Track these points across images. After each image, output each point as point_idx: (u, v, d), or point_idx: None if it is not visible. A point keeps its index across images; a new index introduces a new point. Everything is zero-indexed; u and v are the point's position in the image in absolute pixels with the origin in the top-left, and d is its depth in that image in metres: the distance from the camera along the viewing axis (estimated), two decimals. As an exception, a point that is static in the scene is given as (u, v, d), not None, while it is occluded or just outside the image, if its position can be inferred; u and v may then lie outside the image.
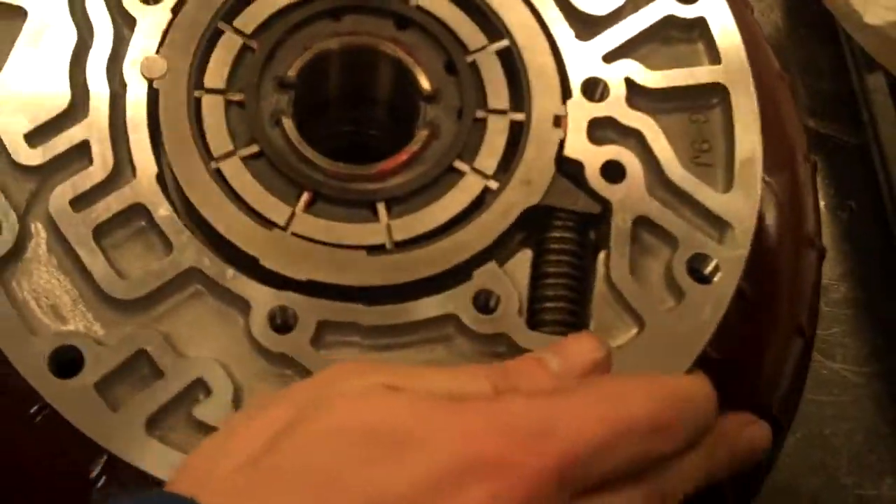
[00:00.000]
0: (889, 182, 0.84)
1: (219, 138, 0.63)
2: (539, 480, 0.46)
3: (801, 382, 0.70)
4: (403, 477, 0.46)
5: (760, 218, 0.64)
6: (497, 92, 0.66)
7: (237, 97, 0.64)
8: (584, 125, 0.64)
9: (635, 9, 0.68)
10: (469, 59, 0.66)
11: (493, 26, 0.67)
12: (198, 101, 0.63)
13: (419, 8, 0.67)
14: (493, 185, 0.63)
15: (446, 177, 0.64)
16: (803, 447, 0.82)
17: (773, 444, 0.60)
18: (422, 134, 0.65)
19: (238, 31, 0.65)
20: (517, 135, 0.64)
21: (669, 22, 0.68)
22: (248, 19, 0.66)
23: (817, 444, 0.82)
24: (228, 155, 0.63)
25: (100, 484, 0.56)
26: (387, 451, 0.46)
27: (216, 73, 0.64)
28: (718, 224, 0.63)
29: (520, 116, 0.65)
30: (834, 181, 0.90)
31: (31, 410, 0.57)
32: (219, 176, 0.62)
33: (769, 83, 0.70)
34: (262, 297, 0.59)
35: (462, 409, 0.48)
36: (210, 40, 0.65)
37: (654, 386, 0.52)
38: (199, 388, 0.57)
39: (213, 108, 0.63)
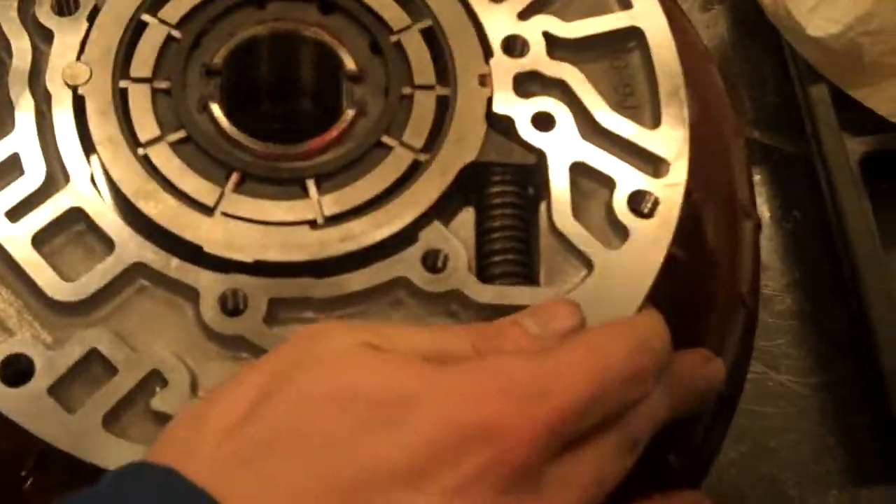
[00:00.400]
0: (832, 193, 0.84)
1: (146, 125, 0.63)
2: (537, 441, 0.46)
3: (747, 357, 0.71)
4: (398, 443, 0.45)
5: (689, 191, 0.64)
6: (422, 69, 0.66)
7: (163, 85, 0.64)
8: (510, 81, 0.65)
9: (543, -33, 0.69)
10: (394, 38, 0.67)
11: (415, 6, 0.67)
12: (123, 92, 0.63)
13: None
14: (423, 157, 0.63)
15: (375, 152, 0.64)
16: (749, 460, 0.82)
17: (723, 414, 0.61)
18: (349, 113, 0.65)
19: (163, 22, 0.66)
20: (444, 110, 0.65)
21: (577, -26, 0.69)
22: (173, 10, 0.66)
23: (763, 457, 0.82)
24: (156, 140, 0.62)
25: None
26: (379, 416, 0.46)
27: (142, 63, 0.64)
28: (652, 160, 0.64)
29: (445, 91, 0.65)
30: (778, 192, 0.90)
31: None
32: (147, 163, 0.62)
33: (695, 64, 0.70)
34: (210, 284, 0.58)
35: (452, 371, 0.48)
36: (134, 32, 0.65)
37: (627, 334, 0.52)
38: (154, 379, 0.57)
39: (139, 97, 0.63)
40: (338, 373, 0.48)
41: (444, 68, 0.66)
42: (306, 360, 0.49)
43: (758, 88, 0.94)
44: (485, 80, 0.65)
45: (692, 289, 0.66)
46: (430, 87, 0.65)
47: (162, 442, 0.49)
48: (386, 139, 0.64)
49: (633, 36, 0.67)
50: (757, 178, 0.85)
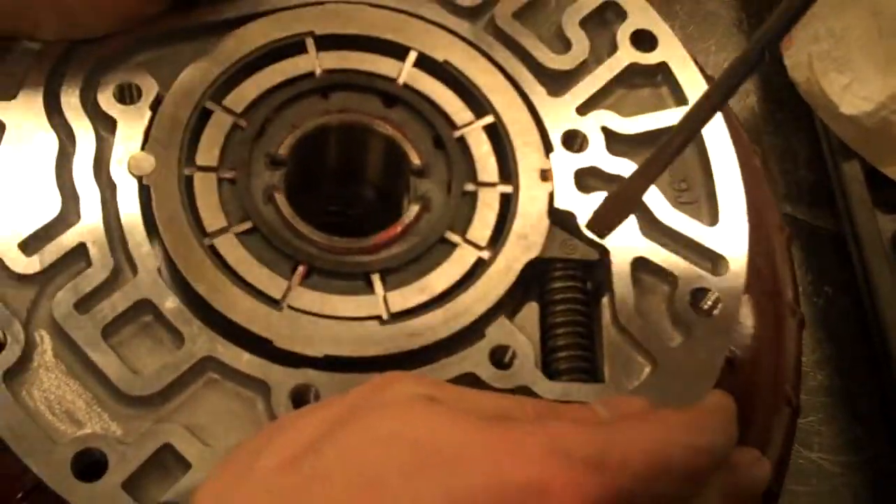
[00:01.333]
0: (864, 269, 0.84)
1: (212, 215, 0.63)
2: None
3: (788, 454, 0.72)
4: (442, 492, 0.45)
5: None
6: (485, 165, 0.67)
7: (229, 174, 0.64)
8: (571, 176, 0.66)
9: (597, 61, 0.71)
10: (457, 134, 0.68)
11: (476, 100, 0.68)
12: (189, 179, 0.64)
13: (406, 86, 0.68)
14: (486, 255, 0.64)
15: (439, 248, 0.64)
16: (783, 537, 0.82)
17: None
18: (413, 208, 0.65)
19: (227, 110, 0.66)
20: (507, 207, 0.66)
21: (633, 70, 0.70)
22: (237, 99, 0.67)
23: (797, 535, 0.82)
24: (222, 231, 0.63)
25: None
26: (428, 464, 0.46)
27: (207, 152, 0.65)
28: (712, 257, 0.65)
29: (508, 188, 0.66)
30: (810, 267, 0.90)
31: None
32: (214, 253, 0.62)
33: (741, 159, 0.71)
34: (281, 378, 0.59)
35: (506, 428, 0.48)
36: (199, 120, 0.65)
37: (695, 429, 0.52)
38: (228, 475, 0.57)
39: (205, 186, 0.64)
40: (393, 418, 0.48)
41: (505, 164, 0.66)
42: (368, 404, 0.50)
43: (789, 163, 0.94)
44: (546, 174, 0.66)
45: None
46: (492, 185, 0.66)
47: (216, 470, 0.50)
48: (450, 235, 0.64)
49: (689, 132, 0.69)
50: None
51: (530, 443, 0.47)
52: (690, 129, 0.56)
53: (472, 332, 0.61)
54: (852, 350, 0.88)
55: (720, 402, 0.56)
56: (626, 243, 0.64)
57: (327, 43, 0.69)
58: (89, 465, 0.56)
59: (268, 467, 0.48)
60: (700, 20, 1.00)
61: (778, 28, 0.52)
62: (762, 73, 0.98)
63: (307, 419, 0.50)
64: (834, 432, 0.85)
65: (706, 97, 0.55)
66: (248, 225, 0.63)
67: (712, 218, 0.66)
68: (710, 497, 0.53)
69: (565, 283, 0.63)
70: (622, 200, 0.63)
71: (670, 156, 0.58)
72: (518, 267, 0.63)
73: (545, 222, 0.64)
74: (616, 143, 0.68)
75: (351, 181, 0.72)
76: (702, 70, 0.72)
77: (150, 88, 0.66)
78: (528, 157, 0.66)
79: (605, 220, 0.64)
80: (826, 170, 0.91)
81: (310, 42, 0.68)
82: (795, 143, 0.95)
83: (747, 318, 0.67)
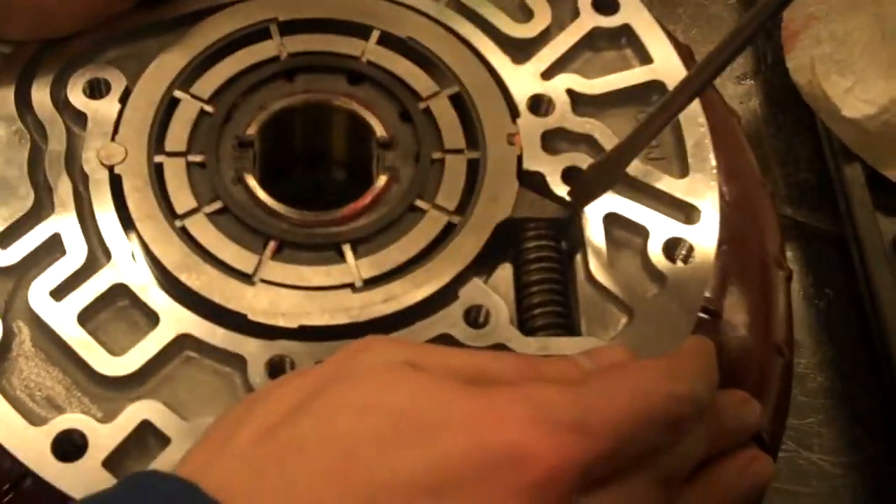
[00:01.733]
0: (865, 271, 0.83)
1: (182, 198, 0.64)
2: (565, 473, 0.45)
3: (786, 406, 0.71)
4: (420, 459, 0.45)
5: (720, 242, 0.64)
6: (452, 134, 0.67)
7: (198, 158, 0.65)
8: (538, 139, 0.66)
9: (560, 27, 0.71)
10: (422, 105, 0.68)
11: (440, 72, 0.69)
12: (159, 167, 0.64)
13: (370, 63, 0.69)
14: (456, 218, 0.64)
15: (408, 216, 0.65)
16: (782, 539, 0.81)
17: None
18: (381, 179, 0.66)
19: (195, 97, 0.67)
20: (475, 172, 0.66)
21: (596, 34, 0.71)
22: (204, 86, 0.68)
23: (796, 536, 0.81)
24: (193, 212, 0.63)
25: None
26: (404, 431, 0.46)
27: (176, 138, 0.66)
28: (683, 208, 0.65)
29: (476, 155, 0.66)
30: (811, 270, 0.89)
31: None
32: (186, 235, 0.62)
33: (717, 120, 0.71)
34: (256, 350, 0.59)
35: (487, 393, 0.47)
36: (167, 109, 0.66)
37: (673, 376, 0.51)
38: (208, 448, 0.57)
39: (174, 171, 0.65)
40: (370, 386, 0.48)
41: (472, 132, 0.67)
42: (345, 371, 0.49)
43: (790, 165, 0.94)
44: (513, 139, 0.66)
45: (728, 340, 0.66)
46: (460, 151, 0.66)
47: (196, 446, 0.50)
48: (419, 203, 0.65)
49: (656, 89, 0.69)
50: (789, 254, 0.83)
51: (511, 408, 0.46)
52: (676, 105, 0.56)
53: (445, 295, 0.61)
54: (853, 352, 0.86)
55: (698, 346, 0.55)
56: (596, 202, 0.64)
57: (291, 28, 0.69)
58: (71, 447, 0.57)
59: (246, 438, 0.48)
60: (703, 24, 1.01)
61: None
62: (764, 76, 0.98)
63: (284, 389, 0.50)
64: (834, 434, 0.84)
65: (696, 72, 0.54)
66: (218, 205, 0.64)
67: (682, 170, 0.66)
68: (696, 443, 0.53)
69: (538, 241, 0.63)
70: (603, 172, 0.63)
71: (654, 130, 0.58)
72: (489, 227, 0.63)
73: (514, 184, 0.65)
74: (582, 104, 0.68)
75: (320, 163, 0.73)
76: (668, 33, 0.72)
77: (118, 83, 0.67)
78: (494, 123, 0.67)
79: (585, 191, 0.64)
80: (827, 172, 0.90)
81: (273, 28, 0.69)
82: (797, 146, 0.94)
83: (728, 270, 0.67)
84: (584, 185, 0.63)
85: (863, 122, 0.84)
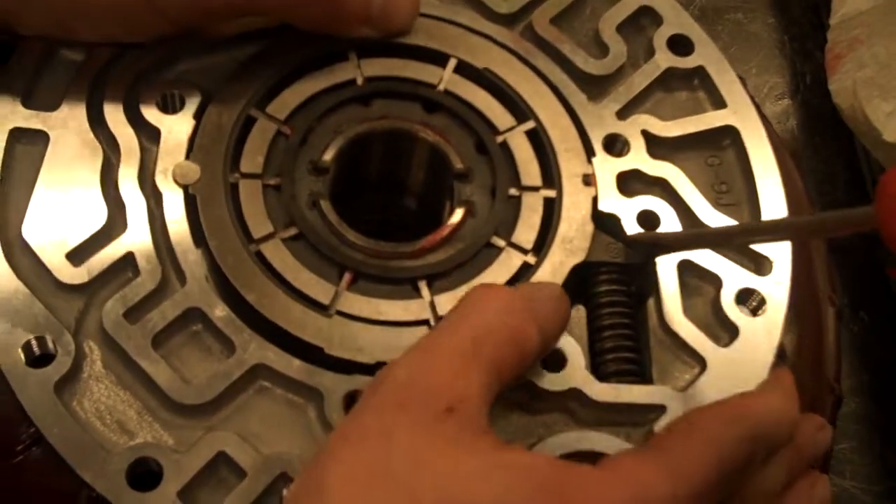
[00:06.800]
0: None
1: (258, 221, 0.63)
2: None
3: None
4: None
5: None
6: (528, 170, 0.67)
7: (273, 181, 0.65)
8: (613, 180, 0.66)
9: (634, 65, 0.71)
10: (499, 139, 0.68)
11: (517, 106, 0.69)
12: (234, 187, 0.64)
13: (447, 92, 0.68)
14: (532, 259, 0.64)
15: (485, 253, 0.64)
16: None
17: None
18: (458, 212, 0.65)
19: (271, 118, 0.66)
20: (551, 211, 0.66)
21: (670, 73, 0.71)
22: (280, 106, 0.67)
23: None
24: (269, 237, 0.63)
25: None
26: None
27: (251, 159, 0.65)
28: (755, 257, 0.65)
29: (551, 193, 0.66)
30: (846, 293, 0.88)
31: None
32: (261, 259, 0.62)
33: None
34: (333, 385, 0.59)
35: (579, 481, 0.49)
36: (243, 128, 0.66)
37: (742, 423, 0.53)
38: (282, 482, 0.57)
39: (250, 193, 0.64)
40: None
41: (548, 169, 0.67)
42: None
43: (827, 185, 0.94)
44: (589, 179, 0.66)
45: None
46: (536, 189, 0.66)
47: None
48: (495, 240, 0.64)
49: (728, 134, 0.69)
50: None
51: (608, 493, 0.49)
52: (753, 235, 0.59)
53: (521, 338, 0.61)
54: (888, 378, 0.87)
55: (779, 380, 0.58)
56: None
57: (368, 51, 0.69)
58: (144, 474, 0.56)
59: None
60: (742, 42, 1.00)
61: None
62: (802, 97, 0.98)
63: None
64: (867, 461, 0.84)
65: (787, 223, 0.57)
66: (293, 231, 0.63)
67: (753, 219, 0.67)
68: (778, 472, 0.56)
69: (611, 286, 0.64)
70: (666, 244, 0.63)
71: (725, 242, 0.61)
72: (564, 271, 0.63)
73: (589, 226, 0.65)
74: (656, 146, 0.68)
75: (392, 188, 0.72)
76: (741, 80, 0.72)
77: (193, 98, 0.66)
78: (570, 161, 0.67)
79: (644, 248, 0.64)
80: (866, 195, 0.90)
81: (351, 51, 0.69)
82: (835, 167, 0.94)
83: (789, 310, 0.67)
84: (645, 245, 0.64)
85: None
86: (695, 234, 0.62)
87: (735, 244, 0.62)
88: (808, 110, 0.97)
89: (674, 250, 0.63)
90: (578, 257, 0.63)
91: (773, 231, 0.59)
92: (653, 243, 0.63)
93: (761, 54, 1.01)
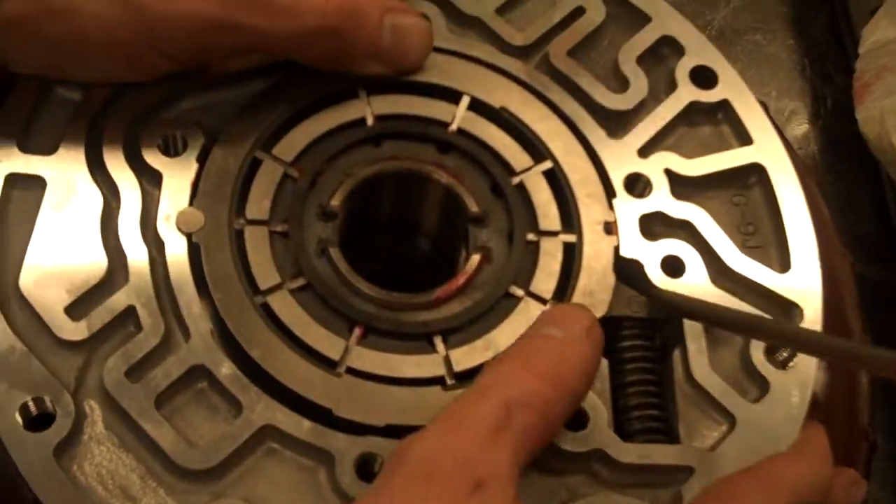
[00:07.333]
0: None
1: (265, 271, 0.60)
2: None
3: None
4: None
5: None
6: (546, 213, 0.64)
7: (280, 228, 0.62)
8: (636, 222, 0.63)
9: (656, 99, 0.68)
10: (515, 180, 0.65)
11: (533, 145, 0.66)
12: (240, 234, 0.61)
13: (460, 131, 0.65)
14: None
15: (502, 303, 0.62)
16: None
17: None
18: (474, 258, 0.63)
19: (278, 160, 0.63)
20: (571, 255, 0.63)
21: (693, 108, 0.68)
22: (287, 147, 0.64)
23: None
24: (276, 288, 0.60)
25: None
26: None
27: (258, 204, 0.62)
28: (785, 305, 0.62)
29: (571, 238, 0.63)
30: (869, 323, 0.83)
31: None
32: (267, 312, 0.59)
33: (831, 262, 0.69)
34: (344, 447, 0.56)
35: None
36: (248, 171, 0.63)
37: (778, 493, 0.53)
38: (293, 550, 0.54)
39: (256, 241, 0.61)
40: None
41: (567, 211, 0.64)
42: None
43: (850, 213, 0.91)
44: (611, 227, 0.63)
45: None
46: (555, 234, 0.63)
47: None
48: (513, 289, 0.62)
49: (755, 172, 0.66)
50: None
51: None
52: (777, 338, 0.57)
53: (540, 395, 0.58)
54: None
55: (814, 435, 0.57)
56: (695, 295, 0.62)
57: (379, 87, 0.66)
58: (148, 544, 0.54)
59: None
60: (761, 63, 0.97)
61: None
62: (824, 121, 0.95)
63: None
64: (890, 498, 0.82)
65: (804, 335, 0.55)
66: (301, 281, 0.61)
67: (783, 263, 0.64)
68: None
69: (633, 341, 0.61)
70: (686, 311, 0.61)
71: (745, 331, 0.59)
72: (585, 325, 0.60)
73: (611, 279, 0.62)
74: (680, 185, 0.65)
75: (404, 230, 0.70)
76: (763, 107, 0.69)
77: (196, 140, 0.63)
78: (590, 207, 0.64)
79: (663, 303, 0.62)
80: (890, 223, 0.88)
81: (361, 88, 0.66)
82: (858, 193, 0.92)
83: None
84: (664, 302, 0.61)
85: None
86: (717, 311, 0.59)
87: (754, 337, 0.59)
88: (829, 135, 0.94)
89: (693, 319, 0.60)
90: (600, 312, 0.61)
91: (798, 342, 0.56)
92: (672, 307, 0.60)
93: (781, 77, 0.98)
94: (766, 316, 0.62)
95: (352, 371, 0.59)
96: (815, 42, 0.99)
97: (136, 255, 0.60)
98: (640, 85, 0.67)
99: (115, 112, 0.64)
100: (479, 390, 0.52)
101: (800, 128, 0.96)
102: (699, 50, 0.69)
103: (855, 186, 0.92)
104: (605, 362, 0.61)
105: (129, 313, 0.59)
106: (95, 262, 0.60)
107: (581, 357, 0.54)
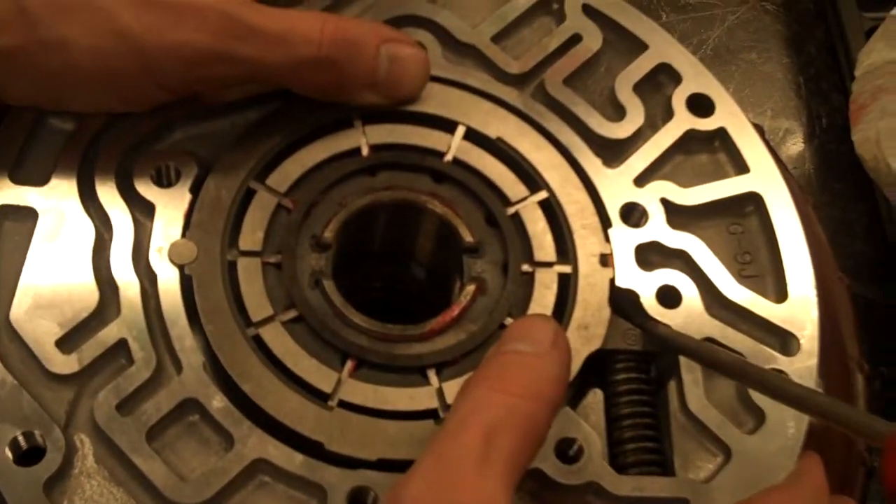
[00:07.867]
0: None
1: (257, 303, 0.60)
2: None
3: None
4: None
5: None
6: (541, 244, 0.64)
7: (273, 259, 0.61)
8: (632, 252, 0.63)
9: (652, 126, 0.68)
10: (510, 210, 0.64)
11: (529, 176, 0.65)
12: (233, 265, 0.61)
13: (455, 161, 0.65)
14: None
15: (497, 335, 0.61)
16: None
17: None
18: (468, 289, 0.62)
19: (272, 190, 0.63)
20: (566, 287, 0.63)
21: (690, 136, 0.67)
22: (281, 177, 0.64)
23: None
24: (268, 320, 0.60)
25: None
26: None
27: (251, 235, 0.62)
28: (781, 336, 0.62)
29: (566, 269, 0.63)
30: (865, 344, 0.83)
31: None
32: (259, 344, 0.59)
33: (828, 289, 0.69)
34: (336, 481, 0.56)
35: None
36: (242, 202, 0.62)
37: None
38: (286, 585, 0.54)
39: (249, 272, 0.61)
40: None
41: (562, 241, 0.63)
42: None
43: (845, 235, 0.91)
44: (606, 259, 0.63)
45: (818, 450, 0.62)
46: (550, 265, 0.63)
47: None
48: (509, 321, 0.61)
49: (751, 201, 0.66)
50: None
51: None
52: (769, 390, 0.55)
53: (534, 427, 0.58)
54: None
55: (810, 472, 0.55)
56: (691, 325, 0.61)
57: (374, 116, 0.65)
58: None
59: None
60: (756, 82, 0.97)
61: None
62: (819, 140, 0.95)
63: None
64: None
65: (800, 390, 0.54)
66: (293, 313, 0.60)
67: (779, 292, 0.63)
68: None
69: (628, 374, 0.60)
70: (679, 347, 0.60)
71: (737, 376, 0.58)
72: (579, 360, 0.60)
73: (606, 311, 0.61)
74: (676, 214, 0.65)
75: (398, 260, 0.69)
76: (759, 131, 0.69)
77: (189, 170, 0.63)
78: (586, 238, 0.63)
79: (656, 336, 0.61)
80: (885, 244, 0.88)
81: (356, 117, 0.65)
82: (853, 214, 0.91)
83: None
84: (659, 337, 0.61)
85: None
86: (710, 352, 0.58)
87: (743, 384, 0.59)
88: (824, 154, 0.94)
89: (685, 356, 0.59)
90: (594, 345, 0.60)
91: (787, 398, 0.54)
92: (665, 341, 0.59)
93: (776, 96, 0.98)
94: (763, 346, 0.61)
95: (344, 404, 0.58)
96: (810, 60, 0.99)
97: (128, 288, 0.60)
98: (637, 113, 0.67)
99: (108, 142, 0.64)
100: (457, 420, 0.51)
101: (795, 147, 0.96)
102: (696, 77, 0.69)
103: (850, 206, 0.92)
104: (599, 394, 0.60)
105: (121, 346, 0.58)
106: (87, 295, 0.59)
107: (552, 367, 0.53)
